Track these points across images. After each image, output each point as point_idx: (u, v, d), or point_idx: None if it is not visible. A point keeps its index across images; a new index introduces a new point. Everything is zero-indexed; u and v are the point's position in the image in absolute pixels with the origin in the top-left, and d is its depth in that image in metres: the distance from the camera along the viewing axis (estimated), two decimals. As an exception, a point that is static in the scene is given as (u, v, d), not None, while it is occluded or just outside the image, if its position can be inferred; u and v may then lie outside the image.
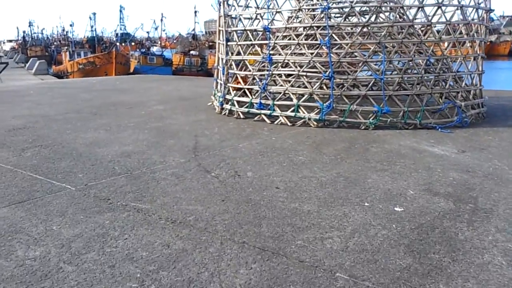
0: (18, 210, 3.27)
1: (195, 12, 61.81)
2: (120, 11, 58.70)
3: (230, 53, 7.54)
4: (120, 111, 7.91)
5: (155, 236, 2.87)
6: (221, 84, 7.74)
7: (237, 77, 7.51)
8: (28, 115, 7.39)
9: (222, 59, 7.69)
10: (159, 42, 68.86)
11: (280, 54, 6.90)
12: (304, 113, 6.60)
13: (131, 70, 49.96)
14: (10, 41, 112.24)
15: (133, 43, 67.70)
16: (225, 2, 7.50)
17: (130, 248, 2.69)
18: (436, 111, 6.62)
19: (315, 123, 6.53)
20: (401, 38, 6.42)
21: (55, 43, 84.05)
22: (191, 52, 55.14)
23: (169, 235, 2.89)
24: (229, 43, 7.48)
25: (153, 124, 6.64)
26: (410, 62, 6.71)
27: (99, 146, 5.27)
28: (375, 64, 7.42)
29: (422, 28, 6.80)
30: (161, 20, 61.43)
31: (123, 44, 65.15)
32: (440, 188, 3.88)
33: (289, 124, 6.65)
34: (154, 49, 58.10)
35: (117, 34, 63.72)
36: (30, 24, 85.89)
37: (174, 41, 71.61)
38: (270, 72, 6.84)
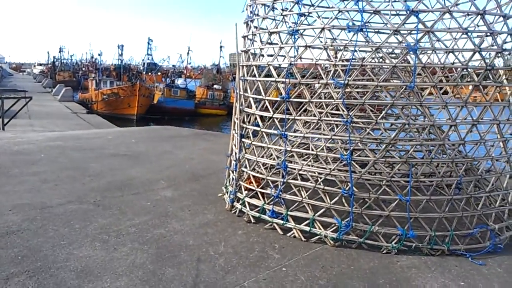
0: None
1: (221, 47, 62.43)
2: (148, 43, 59.54)
3: (244, 149, 7.08)
4: (125, 200, 7.47)
5: None
6: (232, 178, 7.25)
7: (249, 176, 7.00)
8: (28, 204, 6.98)
9: (235, 152, 7.21)
10: (185, 72, 69.62)
11: (296, 162, 6.38)
12: (320, 229, 6.02)
13: (155, 102, 50.45)
14: (40, 64, 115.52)
15: (159, 73, 68.65)
16: (242, 96, 7.07)
17: None
18: (466, 235, 5.96)
19: (331, 242, 5.94)
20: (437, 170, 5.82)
21: (83, 68, 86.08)
22: (215, 86, 55.50)
23: None
24: (243, 139, 7.01)
25: (156, 231, 6.14)
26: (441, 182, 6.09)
27: (90, 278, 4.76)
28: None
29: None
30: (187, 53, 62.19)
31: (149, 73, 66.12)
32: None
33: (303, 239, 6.07)
34: (179, 81, 58.58)
35: (144, 64, 64.67)
36: (61, 50, 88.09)
37: (199, 72, 72.42)
38: (285, 180, 6.30)
